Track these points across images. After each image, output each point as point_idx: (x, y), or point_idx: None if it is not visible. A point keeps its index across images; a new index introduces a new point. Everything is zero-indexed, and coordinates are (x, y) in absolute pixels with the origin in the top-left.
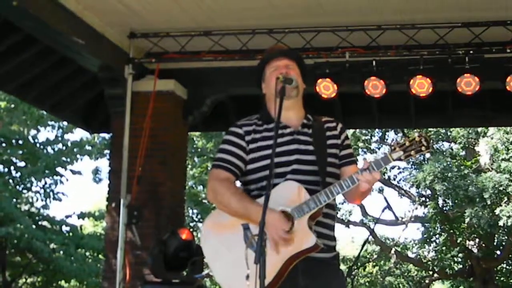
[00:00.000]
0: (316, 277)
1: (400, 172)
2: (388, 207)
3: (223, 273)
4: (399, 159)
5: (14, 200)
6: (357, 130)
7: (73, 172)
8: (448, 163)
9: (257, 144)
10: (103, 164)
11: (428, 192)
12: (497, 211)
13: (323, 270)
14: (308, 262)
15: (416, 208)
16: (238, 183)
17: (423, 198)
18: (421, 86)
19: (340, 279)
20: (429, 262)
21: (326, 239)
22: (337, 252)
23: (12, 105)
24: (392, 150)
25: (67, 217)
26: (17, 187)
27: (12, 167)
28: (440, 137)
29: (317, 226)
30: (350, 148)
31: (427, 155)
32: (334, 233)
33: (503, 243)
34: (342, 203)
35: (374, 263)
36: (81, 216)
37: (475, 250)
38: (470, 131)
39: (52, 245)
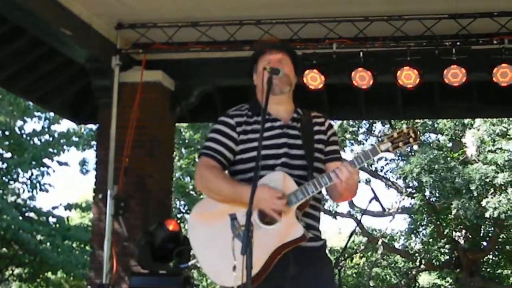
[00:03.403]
0: (306, 265)
1: (387, 164)
2: (375, 198)
3: (210, 263)
4: (387, 150)
5: (1, 191)
6: (344, 121)
7: (60, 163)
8: (435, 154)
9: (247, 136)
10: (90, 155)
11: (415, 183)
12: (483, 202)
13: (313, 258)
14: (298, 251)
15: (404, 199)
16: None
17: (410, 190)
18: (408, 77)
19: (329, 266)
20: (416, 254)
21: (314, 230)
22: (324, 240)
23: None
24: (380, 142)
25: (54, 208)
26: (4, 178)
27: None
28: (427, 128)
29: (305, 217)
30: (336, 145)
31: (414, 147)
32: (319, 225)
33: (490, 235)
34: None
35: (361, 254)
36: (68, 207)
37: (461, 242)
38: (456, 123)
39: (38, 237)
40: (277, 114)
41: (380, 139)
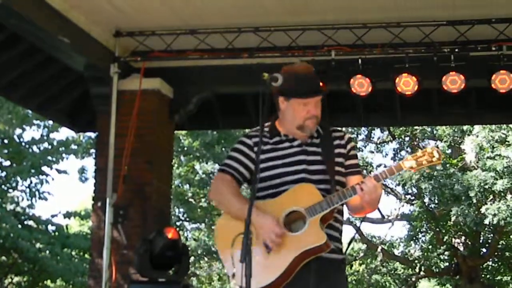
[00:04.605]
0: (327, 278)
1: None
2: None
3: (228, 261)
4: (411, 167)
5: (0, 199)
6: (343, 128)
7: (59, 171)
8: None
9: (265, 155)
10: (89, 163)
11: (414, 190)
12: (482, 209)
13: (334, 271)
14: (320, 262)
15: (403, 206)
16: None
17: (409, 196)
18: (406, 84)
19: (345, 283)
20: (416, 260)
21: (336, 242)
22: (345, 256)
23: None
24: (404, 159)
25: (53, 216)
26: (3, 186)
27: None
28: (426, 135)
29: (328, 229)
30: (356, 159)
31: (413, 152)
32: (341, 238)
33: (489, 241)
34: None
35: (361, 261)
36: (67, 215)
37: (461, 248)
38: (455, 129)
39: (38, 245)
40: (295, 134)
41: (405, 157)
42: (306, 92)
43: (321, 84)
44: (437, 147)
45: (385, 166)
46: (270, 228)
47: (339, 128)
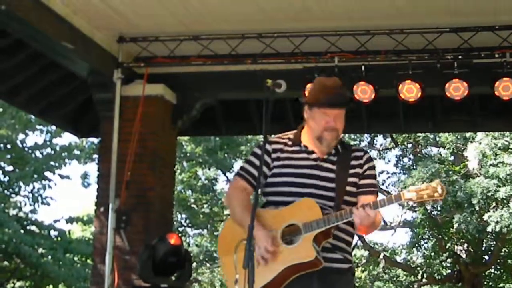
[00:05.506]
0: (330, 285)
1: (389, 177)
2: None
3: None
4: (410, 199)
5: (2, 204)
6: (346, 135)
7: (62, 176)
8: (437, 168)
9: (281, 162)
10: (92, 168)
11: None
12: (485, 216)
13: (338, 279)
14: (323, 271)
15: (405, 213)
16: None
17: (412, 203)
18: (410, 91)
19: None
20: (418, 267)
21: (342, 252)
22: (352, 265)
23: (0, 109)
24: (406, 190)
25: (55, 221)
26: (5, 191)
27: (0, 172)
28: (429, 142)
29: (335, 240)
30: (372, 179)
31: (416, 159)
32: (350, 249)
33: (491, 248)
34: None
35: (363, 268)
36: (70, 220)
37: (463, 255)
38: (458, 136)
39: (40, 250)
40: (315, 147)
41: (407, 188)
42: (326, 102)
43: (348, 97)
44: (444, 183)
45: (387, 173)
46: (263, 244)
47: (361, 148)
